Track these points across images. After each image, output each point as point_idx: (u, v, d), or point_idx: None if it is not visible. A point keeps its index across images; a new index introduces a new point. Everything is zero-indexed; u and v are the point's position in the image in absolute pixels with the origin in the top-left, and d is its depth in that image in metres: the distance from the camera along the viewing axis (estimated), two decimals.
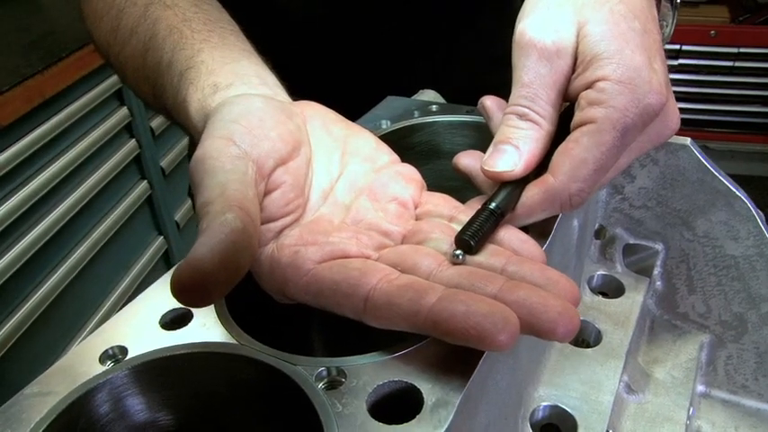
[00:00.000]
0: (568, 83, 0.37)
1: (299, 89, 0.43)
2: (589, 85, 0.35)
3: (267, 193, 0.33)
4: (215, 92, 0.38)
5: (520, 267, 0.32)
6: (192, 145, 0.35)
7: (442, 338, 0.28)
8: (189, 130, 0.42)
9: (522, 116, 0.37)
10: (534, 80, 0.36)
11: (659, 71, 0.35)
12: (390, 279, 0.30)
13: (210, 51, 0.42)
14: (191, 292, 0.26)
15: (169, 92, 0.44)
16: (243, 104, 0.36)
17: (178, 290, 0.26)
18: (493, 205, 0.35)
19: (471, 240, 0.33)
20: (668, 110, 0.36)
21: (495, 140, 0.37)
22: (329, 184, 0.37)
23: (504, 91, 0.41)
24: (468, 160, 0.40)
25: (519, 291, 0.29)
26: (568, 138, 0.35)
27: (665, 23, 0.50)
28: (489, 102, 0.41)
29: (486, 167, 0.36)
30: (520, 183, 0.36)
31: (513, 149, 0.36)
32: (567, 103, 0.38)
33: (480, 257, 0.33)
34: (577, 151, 0.34)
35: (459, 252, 0.33)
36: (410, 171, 0.40)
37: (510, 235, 0.35)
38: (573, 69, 0.37)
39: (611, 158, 0.35)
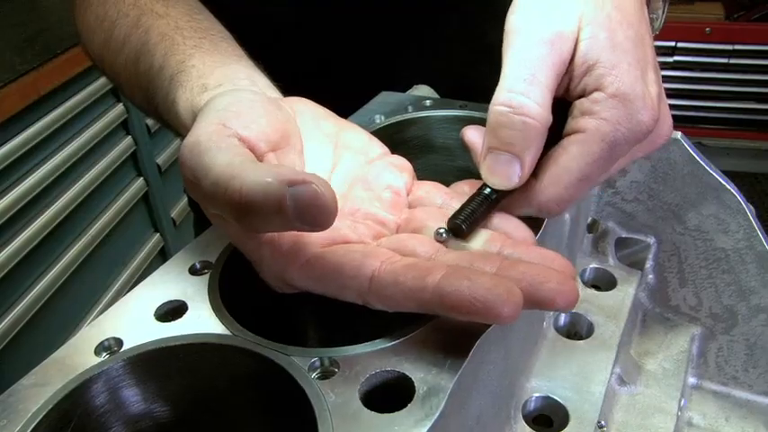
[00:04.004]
0: (566, 71, 0.35)
1: (292, 88, 0.43)
2: (585, 93, 0.35)
3: None
4: (204, 91, 0.39)
5: (515, 249, 0.32)
6: None
7: (448, 314, 0.28)
8: (178, 130, 0.41)
9: (516, 110, 0.33)
10: (533, 61, 0.33)
11: (652, 83, 0.35)
12: (393, 260, 0.31)
13: (201, 56, 0.42)
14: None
15: (159, 96, 0.44)
16: (233, 96, 0.36)
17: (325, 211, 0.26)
18: (488, 190, 0.35)
19: (463, 224, 0.33)
20: (660, 121, 0.36)
21: (489, 144, 0.35)
22: (324, 175, 0.38)
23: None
24: (474, 135, 0.38)
25: (518, 266, 0.29)
26: (559, 144, 0.35)
27: (654, 17, 0.49)
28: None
29: (489, 183, 0.35)
30: None
31: (512, 159, 0.34)
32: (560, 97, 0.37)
33: (476, 244, 0.34)
34: (563, 159, 0.34)
35: (442, 230, 0.33)
36: (401, 161, 0.40)
37: (503, 221, 0.36)
38: (571, 59, 0.35)
39: (596, 170, 0.34)
